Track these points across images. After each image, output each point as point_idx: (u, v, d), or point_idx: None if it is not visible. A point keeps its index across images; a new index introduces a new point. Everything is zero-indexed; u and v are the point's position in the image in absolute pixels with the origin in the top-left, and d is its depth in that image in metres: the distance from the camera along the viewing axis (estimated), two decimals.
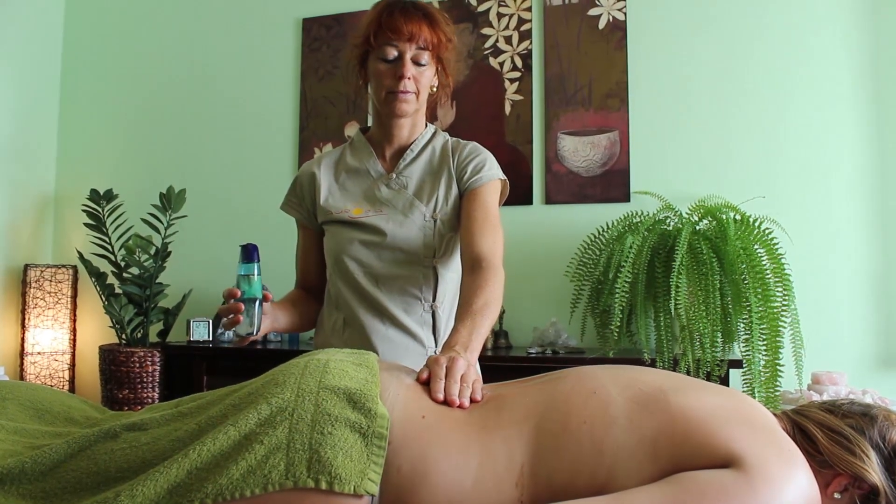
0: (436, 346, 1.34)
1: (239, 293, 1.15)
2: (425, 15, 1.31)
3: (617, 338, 2.11)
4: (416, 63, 1.31)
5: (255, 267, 1.16)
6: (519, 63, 2.65)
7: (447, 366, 0.96)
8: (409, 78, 1.30)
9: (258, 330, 1.18)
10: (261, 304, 1.17)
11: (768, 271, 1.95)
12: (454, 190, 1.37)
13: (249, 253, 1.16)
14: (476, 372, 1.06)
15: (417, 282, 1.33)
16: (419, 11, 1.31)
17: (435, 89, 1.40)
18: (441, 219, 1.34)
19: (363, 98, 2.81)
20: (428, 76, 1.34)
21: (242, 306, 1.15)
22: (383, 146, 1.42)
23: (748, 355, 1.94)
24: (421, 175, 1.38)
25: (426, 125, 1.45)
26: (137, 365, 2.52)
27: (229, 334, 1.23)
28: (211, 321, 2.68)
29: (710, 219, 2.14)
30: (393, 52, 1.30)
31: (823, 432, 0.92)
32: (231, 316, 1.15)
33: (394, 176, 1.38)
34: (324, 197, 1.39)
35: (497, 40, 2.68)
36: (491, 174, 1.38)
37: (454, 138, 1.45)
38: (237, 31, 3.03)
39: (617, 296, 2.02)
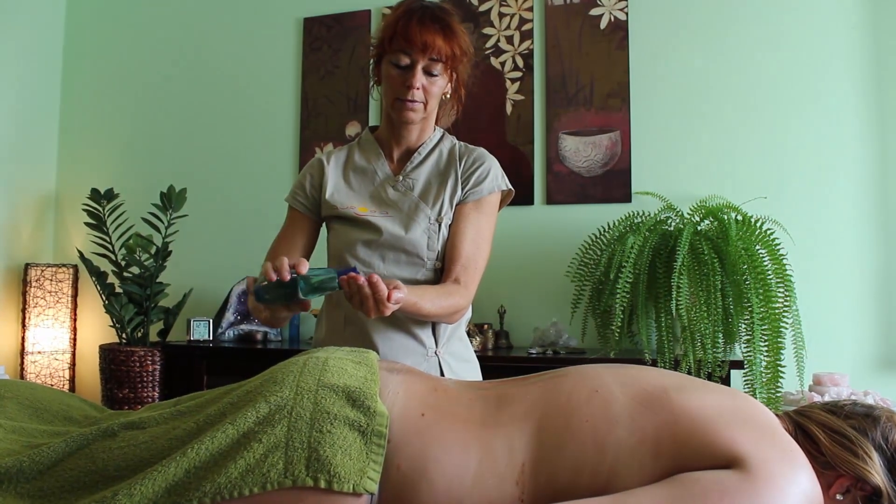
0: (436, 347, 1.34)
1: (300, 274, 1.02)
2: (443, 26, 1.29)
3: (618, 338, 2.11)
4: (428, 73, 1.30)
5: (332, 284, 1.03)
6: (520, 63, 2.65)
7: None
8: (417, 88, 1.29)
9: (266, 304, 1.07)
10: (293, 303, 1.04)
11: (770, 272, 1.95)
12: (458, 195, 1.36)
13: (345, 274, 1.03)
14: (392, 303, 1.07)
15: (419, 283, 1.32)
16: (437, 22, 1.29)
17: (448, 97, 1.39)
18: (445, 223, 1.34)
19: (365, 97, 2.81)
20: (440, 85, 1.33)
21: (287, 278, 1.01)
22: (391, 147, 1.41)
23: (749, 356, 1.93)
24: (427, 178, 1.38)
25: (434, 128, 1.44)
26: (138, 364, 2.52)
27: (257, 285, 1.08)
28: (212, 320, 2.68)
29: (711, 219, 2.14)
30: (405, 60, 1.29)
31: (826, 433, 0.91)
32: (273, 275, 1.02)
33: (400, 178, 1.38)
34: (329, 192, 1.38)
35: (498, 40, 2.68)
36: (492, 186, 1.37)
37: (462, 143, 1.44)
38: (238, 30, 3.03)
39: (618, 296, 2.01)
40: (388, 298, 1.03)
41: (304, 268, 1.03)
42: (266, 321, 1.25)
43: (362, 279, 1.02)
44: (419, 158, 1.40)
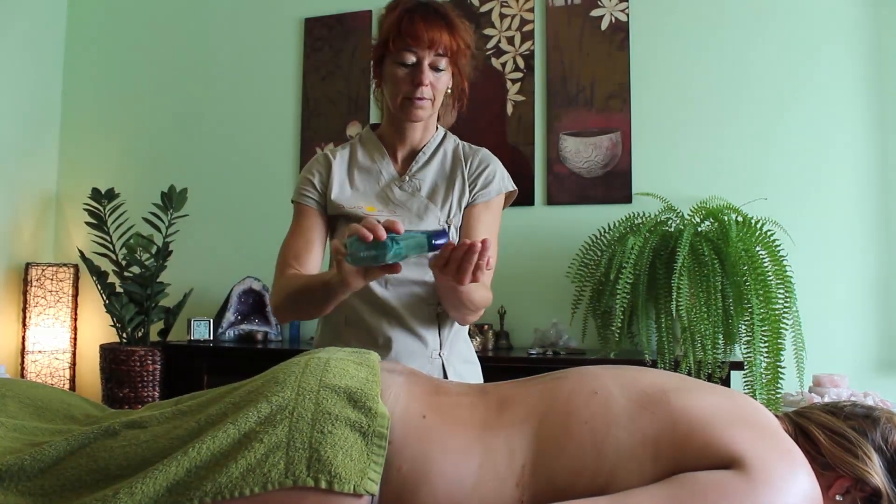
0: (440, 349, 1.34)
1: (397, 237, 0.99)
2: (446, 21, 1.29)
3: (618, 339, 2.11)
4: (434, 69, 1.29)
5: (422, 250, 1.01)
6: (521, 64, 2.65)
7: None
8: (426, 85, 1.29)
9: (355, 263, 1.03)
10: (380, 264, 1.01)
11: (770, 273, 1.95)
12: (466, 198, 1.36)
13: (437, 236, 1.01)
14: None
15: (427, 285, 1.31)
16: (440, 17, 1.28)
17: (449, 91, 1.38)
18: (455, 225, 1.34)
19: (366, 97, 2.81)
20: (444, 81, 1.32)
21: (384, 237, 0.98)
22: (395, 146, 1.40)
23: (749, 357, 1.93)
24: (433, 179, 1.37)
25: (437, 127, 1.44)
26: (138, 364, 2.52)
27: (355, 247, 1.02)
28: (212, 320, 2.68)
29: (711, 220, 2.14)
30: (411, 58, 1.28)
31: (825, 434, 0.91)
32: (368, 235, 0.98)
33: (406, 178, 1.37)
34: (336, 192, 1.36)
35: (499, 41, 2.68)
36: (499, 187, 1.38)
37: (465, 143, 1.44)
38: (239, 30, 3.04)
39: (618, 297, 2.01)
40: (487, 264, 1.01)
41: (401, 228, 1.00)
42: (321, 307, 1.21)
43: (478, 244, 0.99)
44: (424, 158, 1.39)
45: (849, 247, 2.30)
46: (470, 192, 1.36)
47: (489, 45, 2.68)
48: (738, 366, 1.98)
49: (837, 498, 0.89)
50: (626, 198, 2.48)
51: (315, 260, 1.35)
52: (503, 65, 2.67)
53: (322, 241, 1.37)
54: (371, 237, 0.98)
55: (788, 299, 1.95)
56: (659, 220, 2.20)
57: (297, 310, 1.27)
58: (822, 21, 2.37)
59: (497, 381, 1.07)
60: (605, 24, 2.57)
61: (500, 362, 2.18)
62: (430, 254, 1.04)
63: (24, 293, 2.93)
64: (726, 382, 1.99)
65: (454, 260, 1.01)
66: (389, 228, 1.00)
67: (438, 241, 1.00)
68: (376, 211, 1.33)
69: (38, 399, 1.04)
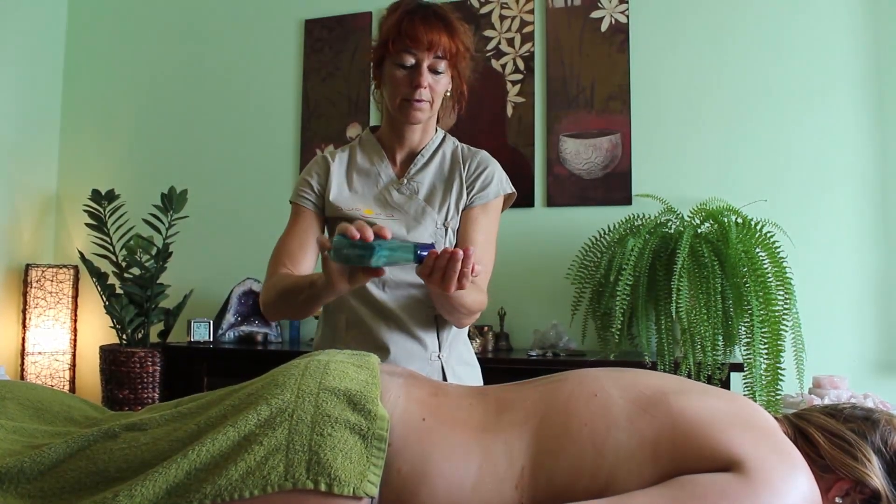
0: (439, 351, 1.34)
1: (383, 243, 0.98)
2: (445, 24, 1.29)
3: (618, 341, 2.11)
4: (433, 71, 1.30)
5: (408, 256, 1.00)
6: (521, 65, 2.65)
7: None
8: (424, 87, 1.29)
9: (338, 261, 1.02)
10: (363, 265, 0.99)
11: (770, 275, 1.95)
12: (464, 200, 1.36)
13: (424, 248, 1.00)
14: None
15: (425, 287, 1.31)
16: (440, 20, 1.29)
17: (448, 94, 1.38)
18: (452, 228, 1.34)
19: (366, 99, 2.81)
20: (443, 84, 1.33)
21: (370, 238, 0.98)
22: (394, 149, 1.40)
23: (749, 359, 1.93)
24: (432, 181, 1.38)
25: (436, 129, 1.44)
26: (138, 365, 2.52)
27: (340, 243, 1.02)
28: (212, 322, 2.68)
29: (711, 222, 2.14)
30: (410, 60, 1.28)
31: (825, 436, 0.92)
32: (355, 234, 0.98)
33: (405, 181, 1.37)
34: (334, 194, 1.37)
35: (499, 42, 2.68)
36: (497, 190, 1.38)
37: (464, 144, 1.44)
38: (239, 32, 3.04)
39: (618, 298, 2.01)
40: (473, 271, 1.01)
41: (388, 234, 1.00)
42: (303, 310, 1.21)
43: (460, 252, 0.99)
44: (422, 161, 1.39)
45: (848, 248, 2.30)
46: (468, 194, 1.36)
47: (489, 47, 2.68)
48: (738, 367, 1.98)
49: (837, 500, 0.89)
50: (626, 199, 2.48)
51: (309, 261, 1.36)
52: (503, 66, 2.67)
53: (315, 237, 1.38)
54: (358, 236, 0.98)
55: (788, 301, 1.95)
56: (659, 222, 2.20)
57: (285, 308, 1.26)
58: (821, 22, 2.37)
59: (497, 382, 1.07)
60: (605, 26, 2.57)
61: (500, 364, 2.18)
62: (416, 265, 1.03)
63: (24, 294, 2.93)
64: (726, 384, 1.99)
65: (438, 268, 1.01)
66: (377, 234, 1.00)
67: (424, 253, 1.00)
68: (374, 214, 1.33)
69: (38, 401, 1.04)
